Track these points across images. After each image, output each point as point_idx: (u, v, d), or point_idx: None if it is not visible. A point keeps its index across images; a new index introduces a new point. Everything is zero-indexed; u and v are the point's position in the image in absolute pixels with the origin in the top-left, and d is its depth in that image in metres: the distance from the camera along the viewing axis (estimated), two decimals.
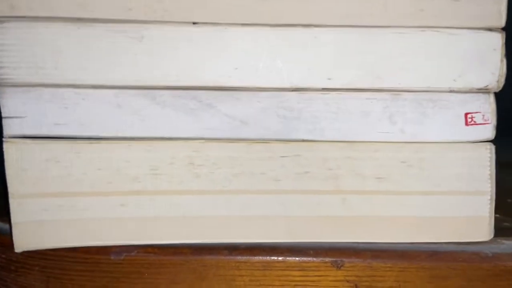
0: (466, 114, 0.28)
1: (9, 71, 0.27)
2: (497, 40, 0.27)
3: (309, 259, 0.28)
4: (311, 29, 0.27)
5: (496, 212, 0.30)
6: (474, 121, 0.28)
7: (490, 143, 0.28)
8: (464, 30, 0.27)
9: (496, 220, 0.30)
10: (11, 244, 0.28)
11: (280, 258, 0.28)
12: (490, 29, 0.27)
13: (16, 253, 0.29)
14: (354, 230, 0.29)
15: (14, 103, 0.27)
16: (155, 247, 0.29)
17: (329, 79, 0.27)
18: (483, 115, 0.28)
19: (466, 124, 0.28)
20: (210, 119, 0.28)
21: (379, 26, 0.27)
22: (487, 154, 0.28)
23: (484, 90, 0.27)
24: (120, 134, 0.28)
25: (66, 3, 0.26)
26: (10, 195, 0.28)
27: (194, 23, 0.27)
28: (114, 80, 0.27)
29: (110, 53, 0.27)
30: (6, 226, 0.30)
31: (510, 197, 0.41)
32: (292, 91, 0.28)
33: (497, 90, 0.27)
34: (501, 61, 0.27)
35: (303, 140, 0.28)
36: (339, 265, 0.28)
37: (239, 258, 0.28)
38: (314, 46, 0.27)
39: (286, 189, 0.28)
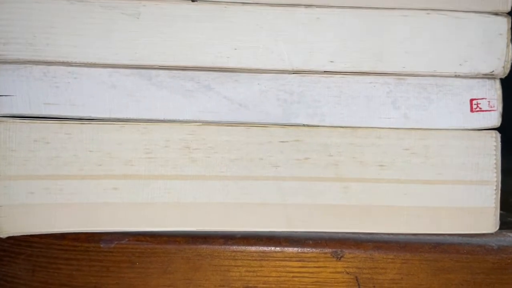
0: (471, 100, 0.27)
1: None
2: (503, 24, 0.26)
3: (308, 249, 0.27)
4: (313, 9, 0.26)
5: (500, 208, 0.29)
6: (480, 108, 0.27)
7: (495, 131, 0.27)
8: (470, 14, 0.26)
9: (500, 216, 0.29)
10: None
11: (278, 249, 0.27)
12: (496, 14, 0.26)
13: (1, 240, 0.27)
14: (355, 219, 0.27)
15: (3, 81, 0.26)
16: (147, 235, 0.27)
17: (331, 62, 0.26)
18: (489, 102, 0.27)
19: (472, 110, 0.27)
20: (207, 101, 0.27)
21: (384, 8, 0.26)
22: (493, 142, 0.27)
23: (490, 76, 0.27)
24: (113, 115, 0.27)
25: None
26: None
27: (193, 0, 0.26)
28: (108, 58, 0.26)
29: (105, 30, 0.26)
30: None
31: None
32: (293, 73, 0.27)
33: (503, 76, 0.27)
34: (507, 46, 0.26)
35: (304, 125, 0.27)
36: (339, 256, 0.27)
37: (235, 247, 0.27)
38: (316, 28, 0.26)
39: (285, 176, 0.27)
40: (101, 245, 0.27)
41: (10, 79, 0.26)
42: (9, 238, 0.27)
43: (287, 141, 0.27)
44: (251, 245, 0.27)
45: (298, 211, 0.27)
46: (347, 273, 0.27)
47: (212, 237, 0.27)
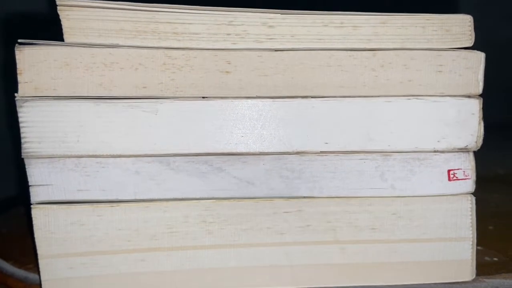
0: (449, 171, 0.31)
1: (34, 145, 0.29)
2: (475, 105, 0.30)
3: None
4: (308, 99, 0.30)
5: (478, 243, 0.33)
6: (456, 177, 0.31)
7: (471, 195, 0.31)
8: (446, 97, 0.30)
9: (478, 254, 0.33)
10: None
11: None
12: (469, 96, 0.30)
13: None
14: (351, 275, 0.32)
15: (40, 173, 0.30)
16: None
17: (326, 143, 0.30)
18: (464, 171, 0.31)
19: (449, 179, 0.31)
20: (220, 181, 0.31)
21: (371, 96, 0.30)
22: (468, 205, 0.31)
23: (464, 150, 0.31)
24: (138, 197, 0.30)
25: (87, 84, 0.29)
26: (39, 256, 0.30)
27: (203, 97, 0.30)
28: (131, 149, 0.30)
29: (128, 126, 0.29)
30: (37, 277, 0.32)
31: (492, 222, 0.44)
32: (293, 154, 0.31)
33: (475, 149, 0.31)
34: (479, 123, 0.30)
35: (304, 197, 0.31)
36: None
37: None
38: (312, 115, 0.30)
39: (290, 241, 0.31)
40: None
41: (46, 170, 0.30)
42: None
43: (290, 212, 0.31)
44: None
45: (303, 271, 0.32)
46: None
47: None
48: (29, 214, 0.30)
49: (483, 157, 0.36)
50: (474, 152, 0.31)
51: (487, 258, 0.36)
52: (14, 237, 0.42)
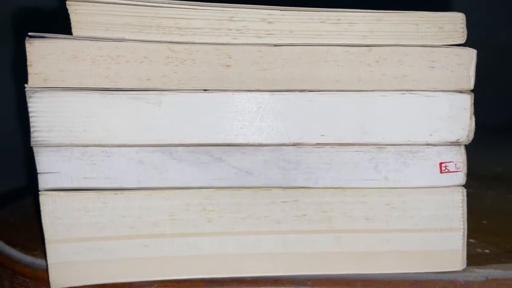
0: (440, 164, 0.32)
1: (43, 134, 0.31)
2: (467, 100, 0.31)
3: None
4: (306, 93, 0.31)
5: (470, 236, 0.34)
6: (448, 169, 0.32)
7: (462, 187, 0.32)
8: (439, 93, 0.31)
9: (470, 246, 0.35)
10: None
11: None
12: (461, 91, 0.31)
13: None
14: (345, 263, 0.33)
15: (48, 161, 0.31)
16: (173, 281, 0.33)
17: (322, 135, 0.31)
18: (455, 164, 0.32)
19: (441, 172, 0.32)
20: (220, 170, 0.32)
21: (366, 90, 0.31)
22: (460, 196, 0.32)
23: (456, 143, 0.32)
24: (141, 185, 0.32)
25: (94, 76, 0.30)
26: (46, 241, 0.32)
27: (205, 90, 0.31)
28: (135, 140, 0.31)
29: (132, 116, 0.31)
30: (44, 262, 0.34)
31: (486, 217, 0.45)
32: (290, 146, 0.32)
33: (467, 143, 0.32)
34: (470, 118, 0.31)
35: (301, 187, 0.32)
36: None
37: None
38: (309, 108, 0.31)
39: (286, 230, 0.32)
40: None
41: (54, 159, 0.31)
42: None
43: (287, 201, 0.32)
44: (260, 286, 0.33)
45: (298, 258, 0.33)
46: None
47: (227, 281, 0.33)
48: (34, 204, 0.32)
49: (482, 155, 0.37)
50: (466, 146, 0.32)
51: (478, 250, 0.37)
52: (21, 225, 0.43)
